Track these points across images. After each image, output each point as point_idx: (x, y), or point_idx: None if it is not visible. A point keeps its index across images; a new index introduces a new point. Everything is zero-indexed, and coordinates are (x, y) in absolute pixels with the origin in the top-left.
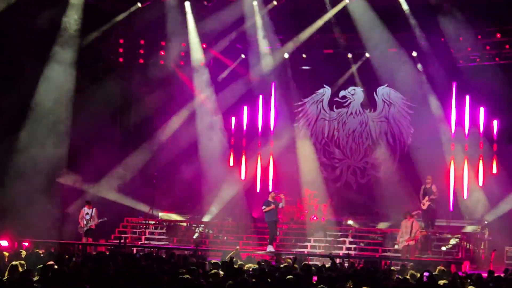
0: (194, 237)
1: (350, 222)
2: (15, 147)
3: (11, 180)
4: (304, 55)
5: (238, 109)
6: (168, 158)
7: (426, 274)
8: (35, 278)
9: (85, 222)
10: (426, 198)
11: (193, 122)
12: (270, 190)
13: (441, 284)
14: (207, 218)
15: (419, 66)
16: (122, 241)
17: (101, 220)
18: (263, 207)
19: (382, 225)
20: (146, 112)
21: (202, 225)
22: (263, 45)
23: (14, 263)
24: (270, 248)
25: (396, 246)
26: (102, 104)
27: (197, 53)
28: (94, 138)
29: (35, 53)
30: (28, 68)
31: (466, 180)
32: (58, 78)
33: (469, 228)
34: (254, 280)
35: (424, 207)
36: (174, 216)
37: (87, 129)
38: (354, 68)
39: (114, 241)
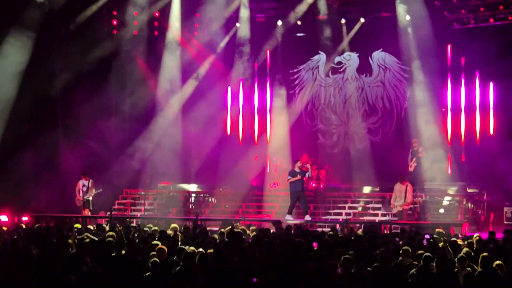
0: (191, 207)
1: (348, 187)
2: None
3: (12, 154)
4: (299, 22)
5: (234, 78)
6: (164, 129)
7: (426, 236)
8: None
9: (81, 195)
10: (414, 160)
11: (191, 92)
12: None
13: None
14: (205, 188)
15: (409, 29)
16: (114, 212)
17: (97, 191)
18: (288, 177)
19: (366, 189)
20: (143, 85)
21: (201, 195)
22: (254, 13)
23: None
24: (288, 217)
25: (392, 210)
26: (98, 78)
27: (175, 23)
28: (92, 111)
29: None
30: None
31: (463, 142)
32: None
33: (467, 190)
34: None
35: (411, 169)
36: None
37: (85, 102)
38: (350, 34)
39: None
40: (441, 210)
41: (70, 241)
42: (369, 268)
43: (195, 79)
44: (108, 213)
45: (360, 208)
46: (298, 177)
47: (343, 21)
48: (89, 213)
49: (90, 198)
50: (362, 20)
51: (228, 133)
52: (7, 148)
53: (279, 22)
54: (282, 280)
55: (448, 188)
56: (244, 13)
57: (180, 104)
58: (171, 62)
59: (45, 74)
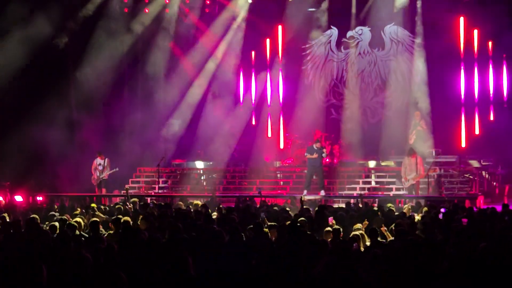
0: (205, 184)
1: (362, 162)
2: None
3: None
4: None
5: (246, 54)
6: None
7: (442, 210)
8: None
9: (98, 174)
10: (414, 132)
11: (203, 70)
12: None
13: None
14: (219, 165)
15: (421, 2)
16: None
17: (113, 170)
18: (306, 153)
19: (380, 164)
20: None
21: (215, 172)
22: None
23: (31, 216)
24: (322, 193)
25: (405, 184)
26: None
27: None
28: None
29: None
30: None
31: (477, 115)
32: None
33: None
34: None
35: (411, 142)
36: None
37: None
38: (364, 8)
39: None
40: (455, 184)
41: (80, 220)
42: (383, 240)
43: (213, 57)
44: (123, 191)
45: (374, 183)
46: (315, 155)
47: None
48: (105, 192)
49: (106, 177)
50: None
51: (241, 105)
52: (19, 127)
53: None
54: (296, 256)
55: (462, 161)
56: None
57: (194, 80)
58: (181, 38)
59: (57, 52)
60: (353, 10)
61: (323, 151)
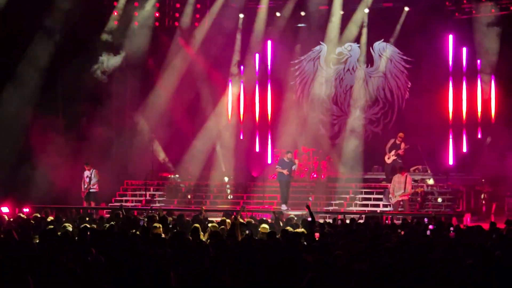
0: (189, 197)
1: (349, 178)
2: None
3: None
4: (302, 13)
5: (235, 68)
6: (165, 118)
7: (430, 227)
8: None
9: (85, 186)
10: (393, 152)
11: (191, 82)
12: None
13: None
14: (206, 179)
15: (410, 19)
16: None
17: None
18: (277, 166)
19: (367, 180)
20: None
21: (202, 186)
22: (255, 4)
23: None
24: (283, 207)
25: (390, 200)
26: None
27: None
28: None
29: None
30: None
31: (465, 133)
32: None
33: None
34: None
35: (389, 161)
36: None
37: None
38: (352, 24)
39: (114, 204)
40: (439, 200)
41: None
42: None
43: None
44: (110, 204)
45: (360, 199)
46: (285, 171)
47: (341, 12)
48: (95, 205)
49: (97, 189)
50: (366, 10)
51: (229, 120)
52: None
53: (278, 14)
54: (285, 272)
55: (449, 178)
56: (246, 3)
57: (179, 92)
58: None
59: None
60: (344, 26)
61: (294, 162)
